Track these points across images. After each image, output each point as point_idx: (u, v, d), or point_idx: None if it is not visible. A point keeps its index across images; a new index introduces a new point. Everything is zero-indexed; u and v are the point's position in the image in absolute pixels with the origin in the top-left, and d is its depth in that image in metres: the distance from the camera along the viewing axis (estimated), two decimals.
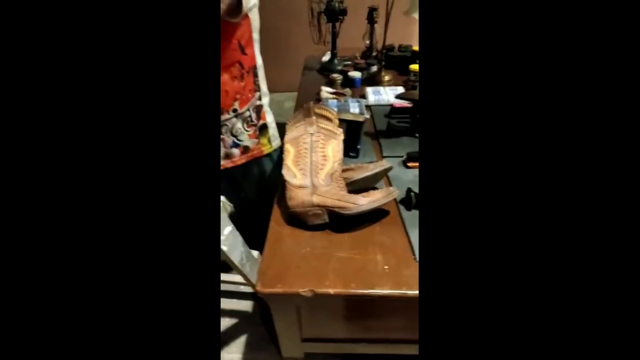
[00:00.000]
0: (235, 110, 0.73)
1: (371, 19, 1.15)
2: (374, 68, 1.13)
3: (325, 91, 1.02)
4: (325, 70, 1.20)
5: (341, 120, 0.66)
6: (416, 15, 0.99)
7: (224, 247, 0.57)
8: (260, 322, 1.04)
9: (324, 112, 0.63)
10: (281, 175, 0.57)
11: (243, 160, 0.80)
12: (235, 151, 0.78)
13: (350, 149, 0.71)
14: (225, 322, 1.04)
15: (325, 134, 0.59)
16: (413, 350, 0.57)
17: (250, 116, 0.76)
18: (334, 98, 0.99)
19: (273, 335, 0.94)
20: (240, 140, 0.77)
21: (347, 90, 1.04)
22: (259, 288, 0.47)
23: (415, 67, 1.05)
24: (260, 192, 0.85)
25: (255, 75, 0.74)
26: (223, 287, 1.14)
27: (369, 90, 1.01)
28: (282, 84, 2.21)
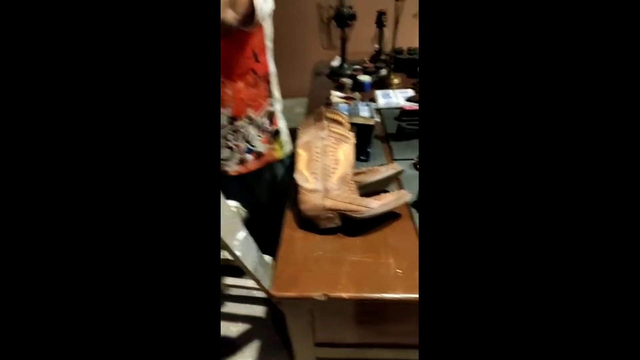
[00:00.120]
0: (249, 117, 0.74)
1: (380, 23, 1.15)
2: (383, 71, 1.13)
3: (335, 95, 1.03)
4: (335, 75, 1.20)
5: (351, 124, 0.66)
6: None
7: (238, 253, 0.58)
8: (273, 326, 1.05)
9: (335, 116, 0.63)
10: (293, 180, 0.57)
11: (256, 166, 0.82)
12: (249, 157, 0.80)
13: (361, 153, 0.71)
14: (238, 327, 1.05)
15: (337, 138, 0.60)
16: None
17: (263, 122, 0.77)
18: (344, 102, 0.99)
19: (286, 340, 0.94)
20: (253, 146, 0.79)
21: (357, 94, 1.05)
22: (272, 292, 0.47)
23: None
24: (272, 196, 0.86)
25: (269, 82, 0.75)
26: (235, 291, 1.15)
27: (379, 93, 1.01)
28: (292, 89, 2.24)
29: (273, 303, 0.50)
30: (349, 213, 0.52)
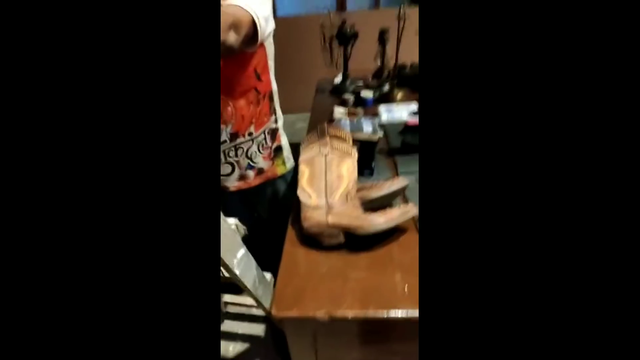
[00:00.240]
0: (250, 134, 0.74)
1: (382, 41, 1.18)
2: (386, 87, 1.14)
3: (338, 111, 1.04)
4: (338, 92, 1.22)
5: (355, 141, 0.66)
6: None
7: (237, 271, 0.57)
8: (273, 346, 1.01)
9: (338, 133, 0.63)
10: (296, 196, 0.57)
11: (257, 182, 0.81)
12: (250, 173, 0.79)
13: (365, 167, 0.71)
14: (237, 347, 1.01)
15: (340, 154, 0.59)
16: None
17: (265, 139, 0.77)
18: (346, 118, 1.00)
19: None
20: (255, 163, 0.78)
21: (360, 110, 1.05)
22: (273, 312, 0.45)
23: None
24: (274, 212, 0.85)
25: (271, 100, 0.76)
26: (235, 309, 1.12)
27: (382, 108, 1.02)
28: (293, 105, 2.27)
29: (273, 321, 0.48)
30: (353, 229, 0.51)
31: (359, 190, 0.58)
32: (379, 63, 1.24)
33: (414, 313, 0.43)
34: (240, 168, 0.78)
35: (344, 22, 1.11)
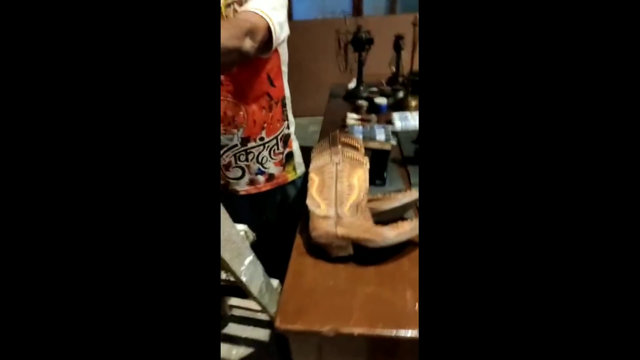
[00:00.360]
0: (262, 139, 0.74)
1: (398, 47, 1.16)
2: (400, 94, 1.12)
3: (351, 117, 1.03)
4: (351, 97, 1.21)
5: (366, 149, 0.65)
6: None
7: (244, 278, 0.56)
8: (277, 352, 1.00)
9: (350, 141, 0.62)
10: (305, 205, 0.56)
11: (267, 187, 0.81)
12: (260, 178, 0.79)
13: (377, 177, 0.69)
14: (241, 351, 1.00)
15: (351, 163, 0.58)
16: None
17: (277, 144, 0.77)
18: (359, 124, 0.99)
19: None
20: (265, 168, 0.78)
21: (373, 117, 1.04)
22: (277, 324, 0.44)
23: None
24: (283, 218, 0.84)
25: (284, 106, 0.75)
26: (240, 313, 1.12)
27: (396, 115, 1.00)
28: (306, 108, 2.28)
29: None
30: (362, 242, 0.49)
31: (369, 201, 0.57)
32: (393, 69, 1.22)
33: None
34: (250, 172, 0.78)
35: (359, 28, 1.11)
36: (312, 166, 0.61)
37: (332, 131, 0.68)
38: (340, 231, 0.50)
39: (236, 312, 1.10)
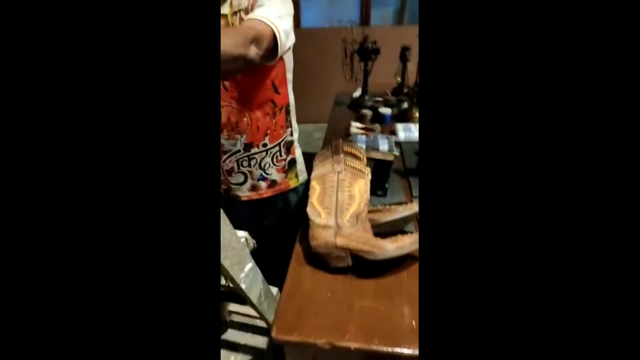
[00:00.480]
0: (265, 145, 0.74)
1: (404, 58, 1.17)
2: (405, 105, 1.13)
3: (355, 126, 1.03)
4: (356, 106, 1.21)
5: (369, 159, 0.65)
6: None
7: (243, 285, 0.56)
8: (275, 359, 0.99)
9: (353, 150, 0.62)
10: (305, 214, 0.56)
11: (269, 194, 0.81)
12: (262, 184, 0.79)
13: (379, 188, 0.69)
14: (239, 358, 0.99)
15: (353, 173, 0.58)
16: None
17: (279, 151, 0.77)
18: (363, 133, 0.99)
19: None
20: (268, 174, 0.78)
21: (377, 126, 1.04)
22: (274, 334, 0.44)
23: None
24: (283, 224, 0.84)
25: (288, 113, 0.76)
26: (239, 319, 1.11)
27: (400, 126, 1.00)
28: (312, 115, 2.29)
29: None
30: (361, 253, 0.49)
31: (370, 212, 0.56)
32: (399, 80, 1.23)
33: None
34: (252, 178, 0.78)
35: (366, 38, 1.12)
36: (313, 174, 0.61)
37: (336, 139, 0.68)
38: (340, 241, 0.50)
39: (235, 318, 1.09)
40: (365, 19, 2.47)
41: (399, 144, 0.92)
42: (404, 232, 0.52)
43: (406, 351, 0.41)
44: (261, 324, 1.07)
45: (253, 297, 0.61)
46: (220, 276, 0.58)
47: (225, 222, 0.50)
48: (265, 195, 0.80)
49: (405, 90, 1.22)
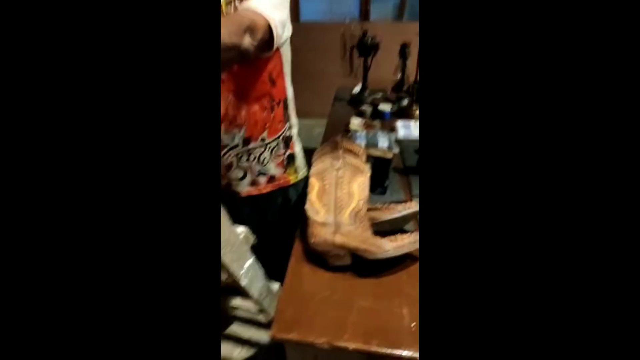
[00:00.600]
0: (263, 139, 0.73)
1: (404, 54, 1.15)
2: (405, 101, 1.12)
3: (354, 122, 1.02)
4: (355, 102, 1.20)
5: (368, 156, 0.64)
6: None
7: (243, 281, 0.55)
8: (278, 353, 0.99)
9: (352, 147, 0.61)
10: (303, 211, 0.55)
11: (269, 189, 0.80)
12: (262, 179, 0.78)
13: (378, 185, 0.68)
14: (243, 352, 1.00)
15: (352, 170, 0.57)
16: None
17: (278, 145, 0.76)
18: (362, 130, 0.98)
19: None
20: (267, 169, 0.77)
21: (377, 123, 1.03)
22: (273, 333, 0.44)
23: None
24: (283, 220, 0.83)
25: (286, 107, 0.74)
26: (242, 313, 1.11)
27: (399, 124, 1.00)
28: (312, 110, 2.27)
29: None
30: (360, 252, 0.49)
31: (370, 210, 0.56)
32: (399, 76, 1.22)
33: None
34: (252, 173, 0.77)
35: (365, 33, 1.10)
36: (312, 170, 0.60)
37: (335, 135, 0.67)
38: (339, 240, 0.50)
39: (238, 313, 1.09)
40: (364, 14, 2.44)
41: (398, 141, 0.92)
42: (403, 231, 0.52)
43: (405, 353, 0.41)
44: (264, 318, 1.07)
45: (254, 292, 0.60)
46: (221, 271, 0.57)
47: (223, 218, 0.49)
48: (264, 191, 0.80)
49: (405, 87, 1.21)
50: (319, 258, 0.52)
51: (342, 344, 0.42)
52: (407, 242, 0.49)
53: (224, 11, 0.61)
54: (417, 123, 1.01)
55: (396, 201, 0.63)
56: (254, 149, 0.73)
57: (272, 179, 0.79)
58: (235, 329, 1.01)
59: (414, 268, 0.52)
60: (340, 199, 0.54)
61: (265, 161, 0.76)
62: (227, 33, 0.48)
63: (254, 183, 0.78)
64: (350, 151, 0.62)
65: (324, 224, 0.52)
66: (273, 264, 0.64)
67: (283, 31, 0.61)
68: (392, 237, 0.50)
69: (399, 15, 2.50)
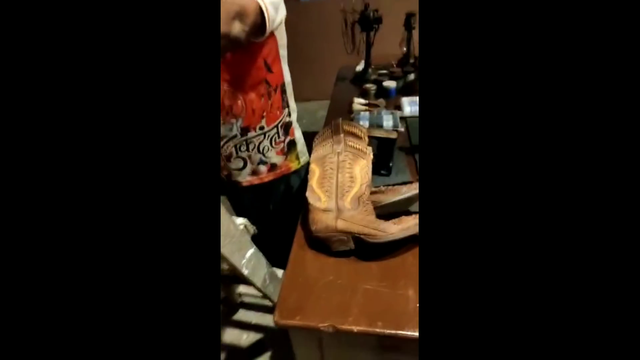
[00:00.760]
0: (262, 128, 0.72)
1: (409, 26, 1.09)
2: (411, 76, 1.06)
3: (358, 103, 0.99)
4: (359, 81, 1.16)
5: (372, 138, 0.62)
6: None
7: (245, 271, 0.56)
8: (284, 337, 1.02)
9: (353, 129, 0.59)
10: (304, 198, 0.54)
11: (270, 178, 0.79)
12: (263, 168, 0.77)
13: (382, 167, 0.66)
14: (250, 336, 1.03)
15: (354, 153, 0.55)
16: None
17: (277, 133, 0.74)
18: (366, 110, 0.95)
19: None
20: (267, 158, 0.76)
21: (381, 101, 0.99)
22: (276, 319, 0.44)
23: None
24: (287, 208, 0.83)
25: (284, 92, 0.72)
26: (248, 299, 1.14)
27: (405, 100, 0.95)
28: (316, 92, 2.22)
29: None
30: (363, 237, 0.48)
31: (373, 193, 0.54)
32: (404, 50, 1.16)
33: None
34: (252, 163, 0.76)
35: (367, 6, 1.04)
36: (313, 156, 0.58)
37: (336, 118, 0.65)
38: (341, 225, 0.48)
39: (246, 299, 1.12)
40: None
41: (404, 119, 0.88)
42: (408, 213, 0.50)
43: (410, 334, 0.40)
44: (271, 303, 1.10)
45: (257, 281, 0.61)
46: (221, 263, 0.58)
47: (222, 209, 0.49)
48: (266, 180, 0.79)
49: (412, 60, 1.15)
50: (322, 244, 0.52)
51: (346, 326, 0.41)
52: (412, 224, 0.47)
53: None
54: None
55: (402, 182, 0.60)
56: (253, 138, 0.72)
57: (273, 167, 0.78)
58: (243, 314, 1.04)
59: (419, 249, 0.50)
60: (342, 184, 0.52)
61: (265, 150, 0.74)
62: None
63: (254, 172, 0.78)
64: (351, 133, 0.59)
65: (325, 210, 0.51)
66: (277, 251, 0.64)
67: (277, 13, 0.58)
68: (397, 220, 0.48)
69: None
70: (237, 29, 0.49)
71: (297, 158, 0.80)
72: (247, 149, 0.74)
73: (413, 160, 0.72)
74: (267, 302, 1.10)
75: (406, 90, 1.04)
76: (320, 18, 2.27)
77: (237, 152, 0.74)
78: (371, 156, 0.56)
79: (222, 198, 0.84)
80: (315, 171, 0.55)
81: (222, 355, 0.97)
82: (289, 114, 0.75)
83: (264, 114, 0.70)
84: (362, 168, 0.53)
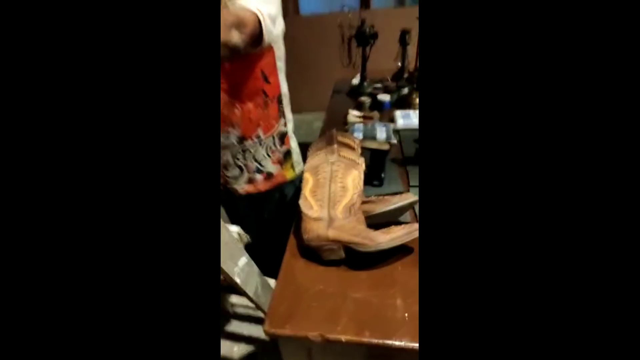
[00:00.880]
0: (258, 137, 0.73)
1: (403, 41, 1.13)
2: (405, 90, 1.09)
3: (353, 114, 1.01)
4: (354, 94, 1.19)
5: (365, 149, 0.63)
6: None
7: (237, 280, 0.56)
8: (276, 350, 1.01)
9: (347, 140, 0.60)
10: (297, 206, 0.55)
11: (266, 187, 0.80)
12: (259, 177, 0.78)
13: (374, 178, 0.68)
14: (242, 348, 1.01)
15: (346, 164, 0.56)
16: None
17: (274, 143, 0.76)
18: (360, 122, 0.97)
19: None
20: (263, 167, 0.77)
21: (375, 114, 1.02)
22: (266, 328, 0.44)
23: None
24: (281, 217, 0.83)
25: (280, 103, 0.74)
26: (241, 310, 1.12)
27: (398, 113, 0.98)
28: (312, 104, 2.25)
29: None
30: (353, 246, 0.48)
31: (364, 202, 0.55)
32: (398, 65, 1.19)
33: (413, 344, 0.40)
34: (248, 171, 0.77)
35: (363, 22, 1.08)
36: (307, 165, 0.59)
37: (331, 129, 0.66)
38: (332, 234, 0.49)
39: (238, 310, 1.11)
40: (365, 1, 2.39)
41: (397, 131, 0.90)
42: (397, 223, 0.51)
43: (397, 343, 0.40)
44: (261, 314, 1.08)
45: (249, 290, 0.61)
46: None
47: None
48: (262, 189, 0.80)
49: (405, 75, 1.18)
50: (313, 253, 0.52)
51: (335, 336, 0.42)
52: (400, 234, 0.48)
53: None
54: (417, 112, 0.99)
55: (393, 193, 0.61)
56: (250, 147, 0.73)
57: (269, 176, 0.79)
58: (234, 326, 1.02)
59: (408, 259, 0.51)
60: (334, 193, 0.53)
61: (262, 158, 0.76)
62: None
63: (251, 181, 0.79)
64: (345, 144, 0.61)
65: (317, 219, 0.52)
66: (270, 260, 0.65)
67: (274, 25, 0.60)
68: (386, 230, 0.49)
69: (400, 1, 2.44)
70: (235, 37, 0.51)
71: (293, 167, 0.81)
72: (244, 158, 0.75)
73: (405, 171, 0.73)
74: (259, 314, 1.08)
75: (400, 103, 1.06)
76: (319, 32, 2.33)
77: (234, 161, 0.75)
78: (363, 167, 0.57)
79: None
80: (308, 180, 0.56)
81: None
82: (285, 124, 0.77)
83: (261, 123, 0.71)
84: (354, 178, 0.55)
